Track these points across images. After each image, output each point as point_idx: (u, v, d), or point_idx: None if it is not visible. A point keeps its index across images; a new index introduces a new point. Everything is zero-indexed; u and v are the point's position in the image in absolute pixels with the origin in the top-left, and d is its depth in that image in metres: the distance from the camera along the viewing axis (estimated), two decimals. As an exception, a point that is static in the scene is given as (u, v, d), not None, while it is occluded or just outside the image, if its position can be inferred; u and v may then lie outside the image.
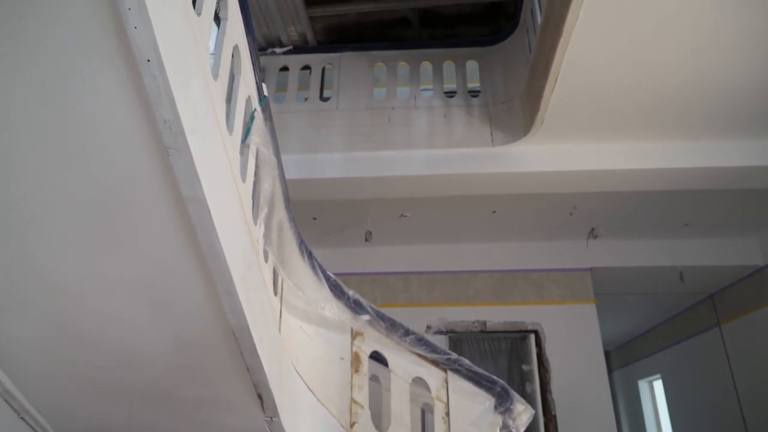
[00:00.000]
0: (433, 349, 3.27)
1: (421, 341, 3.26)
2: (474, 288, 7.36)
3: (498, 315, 7.14)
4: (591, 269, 7.38)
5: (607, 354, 11.26)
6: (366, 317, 3.20)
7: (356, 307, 3.19)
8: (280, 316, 2.94)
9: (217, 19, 2.17)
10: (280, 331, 2.83)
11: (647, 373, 11.68)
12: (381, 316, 3.22)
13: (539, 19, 4.87)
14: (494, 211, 6.64)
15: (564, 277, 7.36)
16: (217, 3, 2.08)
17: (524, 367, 7.01)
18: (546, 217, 6.79)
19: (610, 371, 12.00)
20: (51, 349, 2.44)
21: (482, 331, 7.10)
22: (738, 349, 8.09)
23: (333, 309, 3.11)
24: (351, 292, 3.19)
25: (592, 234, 6.39)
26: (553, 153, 5.43)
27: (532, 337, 7.07)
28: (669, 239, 7.38)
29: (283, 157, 2.94)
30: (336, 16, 6.45)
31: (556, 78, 4.43)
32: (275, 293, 2.87)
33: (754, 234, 7.33)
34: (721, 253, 7.39)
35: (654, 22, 3.95)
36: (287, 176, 3.01)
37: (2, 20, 1.52)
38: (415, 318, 6.73)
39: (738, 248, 7.39)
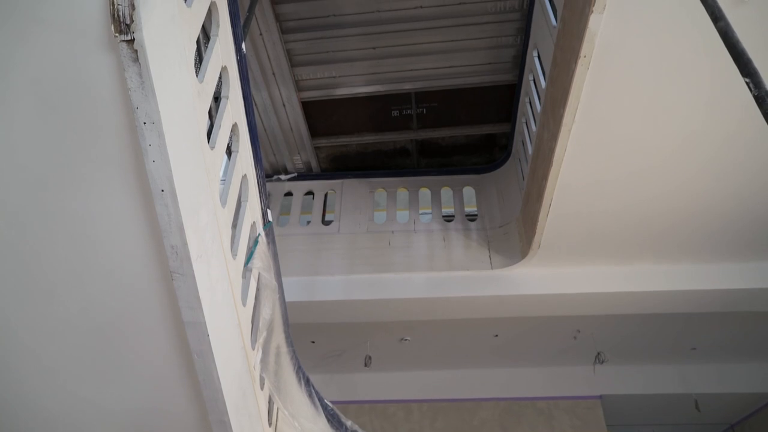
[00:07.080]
0: (437, 488, 3.03)
1: (423, 479, 3.02)
2: (479, 418, 6.96)
3: (506, 449, 6.68)
4: (601, 397, 7.04)
5: (627, 495, 10.27)
6: (365, 451, 3.00)
7: (355, 440, 3.01)
8: (274, 450, 2.76)
9: (228, 150, 2.32)
10: (272, 466, 2.64)
11: None
12: (381, 450, 3.02)
13: (530, 150, 5.18)
14: (496, 335, 6.51)
15: (573, 406, 6.99)
16: (230, 137, 2.25)
17: None
18: (549, 340, 6.63)
19: None
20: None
21: (490, 468, 6.59)
22: (770, 489, 7.42)
23: (330, 442, 2.93)
24: (349, 423, 3.03)
25: (599, 359, 6.21)
26: (552, 276, 5.46)
27: (544, 474, 6.55)
28: (679, 364, 7.14)
29: (284, 280, 2.95)
30: (339, 146, 6.88)
31: (550, 204, 4.59)
32: (269, 423, 2.72)
33: (765, 359, 7.10)
34: (734, 379, 7.10)
35: (639, 154, 4.18)
36: (287, 298, 3.01)
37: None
38: (417, 452, 6.29)
39: (750, 374, 7.11)
